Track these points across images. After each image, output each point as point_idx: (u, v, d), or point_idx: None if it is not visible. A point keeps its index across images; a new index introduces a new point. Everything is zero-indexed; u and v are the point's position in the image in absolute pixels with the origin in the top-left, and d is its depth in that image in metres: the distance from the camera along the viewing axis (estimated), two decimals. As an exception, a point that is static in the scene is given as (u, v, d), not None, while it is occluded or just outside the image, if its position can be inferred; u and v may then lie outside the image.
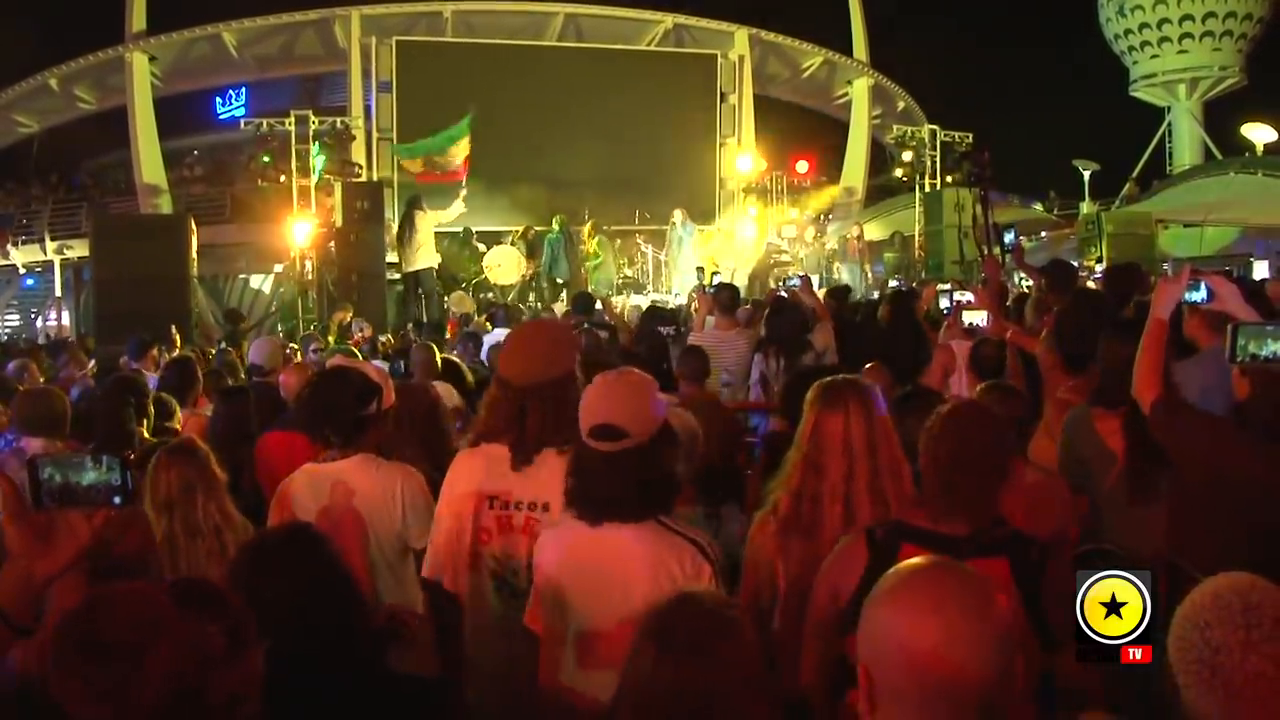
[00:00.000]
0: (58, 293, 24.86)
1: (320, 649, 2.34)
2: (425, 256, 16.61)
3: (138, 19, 23.15)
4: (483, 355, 9.01)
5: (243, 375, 7.38)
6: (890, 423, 3.11)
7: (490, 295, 17.19)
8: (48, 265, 24.93)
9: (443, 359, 6.91)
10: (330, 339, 12.00)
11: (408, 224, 16.52)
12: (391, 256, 18.64)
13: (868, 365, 5.15)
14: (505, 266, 17.62)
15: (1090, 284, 11.32)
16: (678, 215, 19.05)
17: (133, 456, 2.03)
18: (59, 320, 23.76)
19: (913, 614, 1.56)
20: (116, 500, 1.93)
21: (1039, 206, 29.72)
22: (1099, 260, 18.23)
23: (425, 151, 18.68)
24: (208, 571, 3.26)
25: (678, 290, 18.11)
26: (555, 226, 18.17)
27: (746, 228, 20.25)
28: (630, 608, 2.45)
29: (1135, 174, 33.50)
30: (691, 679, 2.00)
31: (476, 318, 14.02)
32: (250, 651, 1.90)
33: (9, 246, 24.48)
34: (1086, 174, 28.88)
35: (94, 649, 1.69)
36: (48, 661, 1.73)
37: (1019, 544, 2.63)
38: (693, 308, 11.97)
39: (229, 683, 1.81)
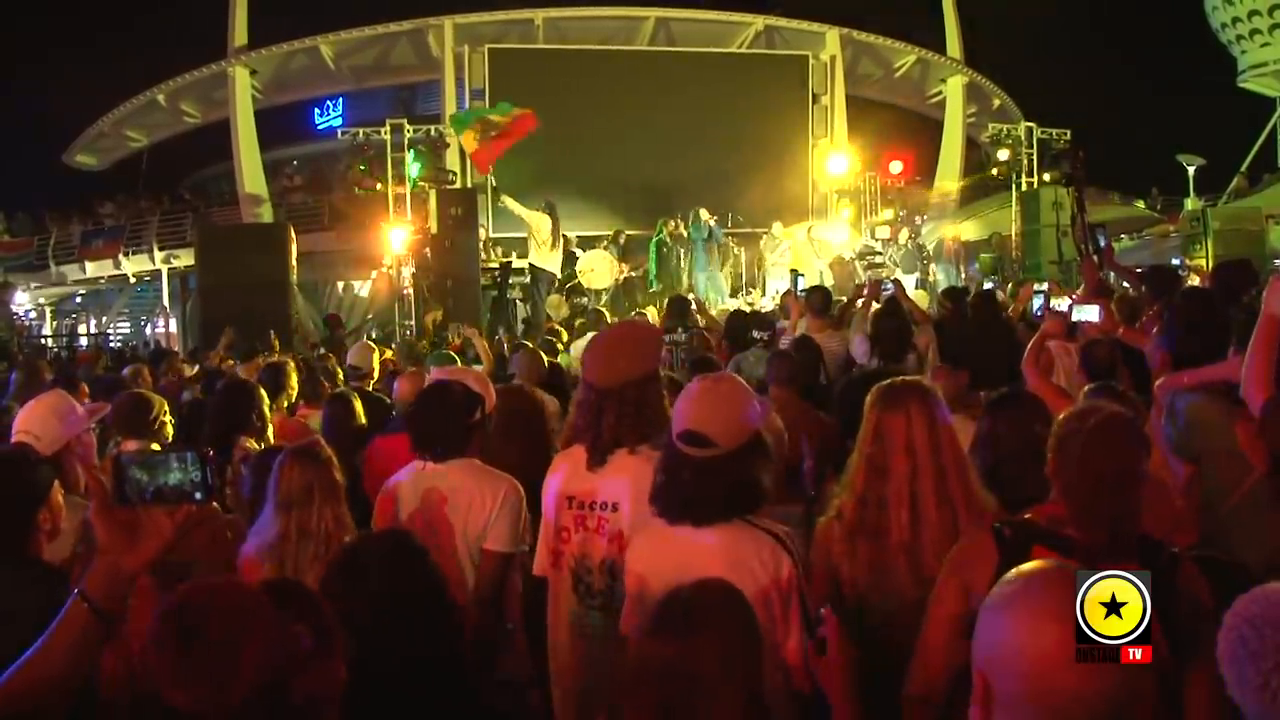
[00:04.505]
0: (165, 300, 25.68)
1: (409, 659, 2.39)
2: (555, 259, 16.90)
3: (239, 34, 23.81)
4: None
5: (340, 380, 7.52)
6: (952, 425, 3.06)
7: (584, 300, 17.29)
8: (156, 274, 25.76)
9: (549, 362, 6.90)
10: (425, 342, 12.18)
11: (558, 228, 16.80)
12: (492, 260, 18.89)
13: (935, 368, 5.05)
14: (599, 270, 17.69)
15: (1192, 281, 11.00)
16: (778, 228, 19.32)
17: (212, 454, 2.11)
18: (166, 327, 24.51)
19: (1033, 620, 1.52)
20: (197, 496, 2.02)
21: (1140, 203, 28.93)
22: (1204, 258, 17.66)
23: (476, 116, 17.90)
24: (309, 573, 3.27)
25: (768, 297, 17.96)
26: (658, 231, 18.27)
27: (840, 230, 20.00)
28: None
29: (1244, 167, 32.30)
30: (668, 660, 2.07)
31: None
32: (336, 655, 1.97)
33: (120, 256, 25.39)
34: (1191, 169, 28.00)
35: (192, 637, 1.76)
36: (146, 649, 1.80)
37: (1149, 550, 2.48)
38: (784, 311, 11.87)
39: (312, 683, 1.87)
